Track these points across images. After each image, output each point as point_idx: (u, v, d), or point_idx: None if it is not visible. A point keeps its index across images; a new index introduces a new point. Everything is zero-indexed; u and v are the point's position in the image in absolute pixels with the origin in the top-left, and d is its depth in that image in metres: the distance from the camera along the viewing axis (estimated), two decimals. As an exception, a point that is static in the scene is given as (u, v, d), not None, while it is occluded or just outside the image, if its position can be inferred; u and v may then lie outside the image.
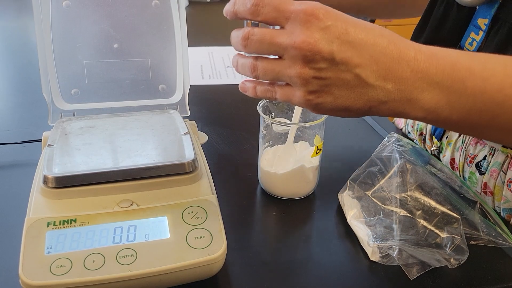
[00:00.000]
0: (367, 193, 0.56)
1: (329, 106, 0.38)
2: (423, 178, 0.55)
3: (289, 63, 0.37)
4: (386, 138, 0.61)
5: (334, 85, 0.37)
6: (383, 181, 0.56)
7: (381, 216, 0.53)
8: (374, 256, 0.50)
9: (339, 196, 0.58)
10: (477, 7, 0.57)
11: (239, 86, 0.41)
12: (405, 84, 0.37)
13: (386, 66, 0.37)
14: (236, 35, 0.39)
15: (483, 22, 0.56)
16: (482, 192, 0.61)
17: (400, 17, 0.79)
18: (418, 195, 0.55)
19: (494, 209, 0.61)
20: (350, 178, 0.58)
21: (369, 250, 0.51)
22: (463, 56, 0.39)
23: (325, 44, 0.36)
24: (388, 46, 0.37)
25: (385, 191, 0.56)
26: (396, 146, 0.58)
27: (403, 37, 0.39)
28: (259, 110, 0.57)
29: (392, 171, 0.56)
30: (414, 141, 0.74)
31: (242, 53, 0.42)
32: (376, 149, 0.60)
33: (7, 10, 1.43)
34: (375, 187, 0.56)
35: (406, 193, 0.55)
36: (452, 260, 0.49)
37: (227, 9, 0.41)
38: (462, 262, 0.49)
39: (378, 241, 0.50)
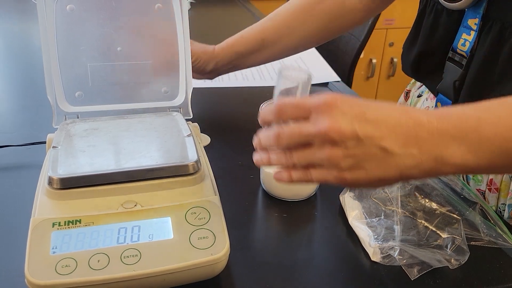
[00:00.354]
0: (368, 194, 0.56)
1: (364, 180, 0.41)
2: (423, 179, 0.56)
3: (319, 148, 0.41)
4: None
5: (363, 160, 0.40)
6: None
7: (382, 217, 0.53)
8: (375, 257, 0.50)
9: (341, 198, 0.59)
10: (466, 9, 0.58)
11: (274, 176, 0.44)
12: (427, 146, 0.40)
13: (404, 134, 0.40)
14: (266, 135, 0.44)
15: (473, 22, 0.58)
16: (487, 189, 0.61)
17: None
18: (419, 196, 0.55)
19: (498, 208, 0.61)
20: None
21: (370, 251, 0.51)
22: (468, 108, 0.42)
23: (347, 125, 0.40)
24: (401, 117, 0.40)
25: (386, 192, 0.56)
26: None
27: (412, 107, 0.42)
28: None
29: None
30: None
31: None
32: None
33: (11, 14, 1.44)
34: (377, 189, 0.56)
35: (407, 194, 0.55)
36: (452, 260, 0.49)
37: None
38: (463, 262, 0.49)
39: (379, 242, 0.51)
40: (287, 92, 0.46)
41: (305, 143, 0.42)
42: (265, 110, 0.44)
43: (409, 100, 0.79)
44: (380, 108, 0.41)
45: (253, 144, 0.45)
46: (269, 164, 0.44)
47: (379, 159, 0.40)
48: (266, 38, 0.79)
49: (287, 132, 0.42)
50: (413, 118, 0.40)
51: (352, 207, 0.56)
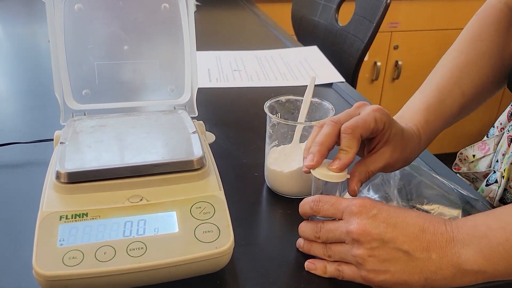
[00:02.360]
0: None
1: (390, 282, 0.45)
2: (421, 187, 0.57)
3: (350, 246, 0.46)
4: None
5: (388, 262, 0.44)
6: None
7: None
8: None
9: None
10: None
11: (306, 265, 0.50)
12: (444, 252, 0.43)
13: (427, 240, 0.44)
14: (310, 228, 0.50)
15: None
16: None
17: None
18: (419, 194, 0.56)
19: None
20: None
21: None
22: (480, 217, 0.46)
23: (374, 227, 0.44)
24: (424, 224, 0.45)
25: (387, 193, 0.57)
26: None
27: (436, 216, 0.48)
28: (266, 110, 0.58)
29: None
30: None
31: None
32: None
33: (18, 17, 1.46)
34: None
35: (408, 196, 0.56)
36: None
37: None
38: None
39: None
40: None
41: (340, 241, 0.47)
42: (304, 204, 0.50)
43: None
44: (405, 214, 0.45)
45: (298, 231, 0.51)
46: (309, 252, 0.50)
47: (402, 262, 0.44)
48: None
49: (325, 229, 0.48)
50: (434, 226, 0.44)
51: None
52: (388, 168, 0.54)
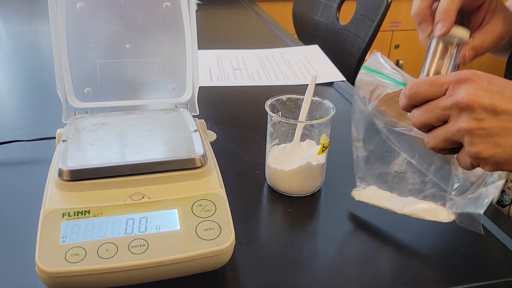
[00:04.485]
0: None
1: (501, 158, 0.40)
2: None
3: (455, 120, 0.40)
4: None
5: (499, 135, 0.39)
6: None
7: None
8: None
9: (356, 195, 0.58)
10: None
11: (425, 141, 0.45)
12: None
13: None
14: (416, 109, 0.44)
15: None
16: None
17: None
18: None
19: None
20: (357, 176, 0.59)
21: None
22: None
23: (486, 97, 0.39)
24: None
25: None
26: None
27: None
28: (267, 108, 0.59)
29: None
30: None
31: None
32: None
33: (19, 16, 1.46)
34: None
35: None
36: None
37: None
38: None
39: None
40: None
41: (442, 119, 0.41)
42: (401, 96, 0.44)
43: None
44: None
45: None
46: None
47: None
48: None
49: (422, 109, 0.42)
50: None
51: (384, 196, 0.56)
52: (501, 41, 0.50)
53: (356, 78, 0.51)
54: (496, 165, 0.41)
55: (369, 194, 0.57)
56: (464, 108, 0.39)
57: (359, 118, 0.53)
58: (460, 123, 0.40)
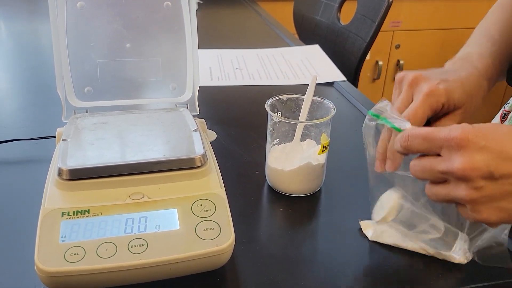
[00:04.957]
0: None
1: (506, 220, 0.40)
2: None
3: (454, 186, 0.40)
4: None
5: (502, 199, 0.38)
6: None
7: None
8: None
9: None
10: None
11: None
12: None
13: None
14: (414, 164, 0.43)
15: None
16: None
17: None
18: None
19: None
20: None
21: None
22: None
23: (483, 164, 0.37)
24: None
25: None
26: None
27: None
28: (267, 108, 0.59)
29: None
30: None
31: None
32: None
33: (19, 15, 1.46)
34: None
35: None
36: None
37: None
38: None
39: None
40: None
41: (440, 180, 0.41)
42: (396, 142, 0.44)
43: (506, 122, 0.72)
44: None
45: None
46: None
47: None
48: None
49: (420, 167, 0.41)
50: None
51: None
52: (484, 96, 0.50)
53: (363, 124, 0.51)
54: (501, 223, 0.41)
55: (378, 233, 0.54)
56: (461, 178, 0.39)
57: (370, 161, 0.53)
58: (460, 191, 0.39)
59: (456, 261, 0.49)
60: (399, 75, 0.52)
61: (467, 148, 0.38)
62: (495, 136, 0.38)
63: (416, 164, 0.42)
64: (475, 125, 0.39)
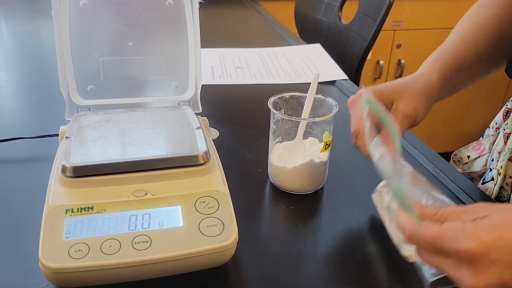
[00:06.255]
0: None
1: None
2: None
3: (458, 273, 0.36)
4: None
5: None
6: None
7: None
8: None
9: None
10: None
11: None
12: None
13: None
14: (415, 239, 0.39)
15: None
16: None
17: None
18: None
19: None
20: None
21: None
22: None
23: (496, 278, 0.35)
24: None
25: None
26: None
27: None
28: (270, 106, 0.59)
29: None
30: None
31: None
32: None
33: (21, 14, 1.46)
34: None
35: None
36: None
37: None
38: None
39: None
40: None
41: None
42: (401, 229, 0.40)
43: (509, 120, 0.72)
44: None
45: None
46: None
47: None
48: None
49: (426, 257, 0.39)
50: None
51: None
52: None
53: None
54: None
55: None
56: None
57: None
58: (464, 281, 0.36)
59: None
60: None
61: (478, 265, 0.35)
62: (506, 243, 0.35)
63: (420, 252, 0.39)
64: (483, 225, 0.36)
